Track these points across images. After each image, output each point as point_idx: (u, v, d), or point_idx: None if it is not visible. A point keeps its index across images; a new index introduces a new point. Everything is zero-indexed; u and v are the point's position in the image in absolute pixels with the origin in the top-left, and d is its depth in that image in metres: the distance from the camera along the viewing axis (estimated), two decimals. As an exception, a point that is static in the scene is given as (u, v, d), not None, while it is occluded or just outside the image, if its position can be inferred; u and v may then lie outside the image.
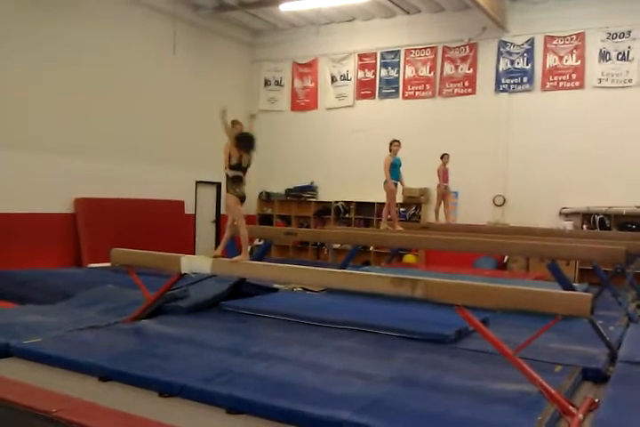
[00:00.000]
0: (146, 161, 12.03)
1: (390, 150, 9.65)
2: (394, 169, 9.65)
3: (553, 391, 3.82)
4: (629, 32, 11.46)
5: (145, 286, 6.05)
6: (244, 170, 5.63)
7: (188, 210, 13.18)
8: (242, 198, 5.68)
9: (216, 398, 3.96)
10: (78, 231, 10.80)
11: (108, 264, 6.88)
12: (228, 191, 5.68)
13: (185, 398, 4.04)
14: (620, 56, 11.59)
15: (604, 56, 11.69)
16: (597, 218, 11.33)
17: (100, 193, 11.05)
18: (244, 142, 5.56)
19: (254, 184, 11.29)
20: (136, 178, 11.77)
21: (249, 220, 13.63)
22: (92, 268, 9.82)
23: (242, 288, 7.29)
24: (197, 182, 13.47)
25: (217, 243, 13.71)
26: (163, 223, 12.05)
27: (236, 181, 5.61)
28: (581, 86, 11.87)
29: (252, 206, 14.53)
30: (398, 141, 9.70)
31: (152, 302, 6.10)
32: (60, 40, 10.50)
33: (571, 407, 3.75)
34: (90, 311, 6.34)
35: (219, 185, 13.51)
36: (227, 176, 5.65)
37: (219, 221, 13.70)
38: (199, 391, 4.03)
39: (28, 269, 8.47)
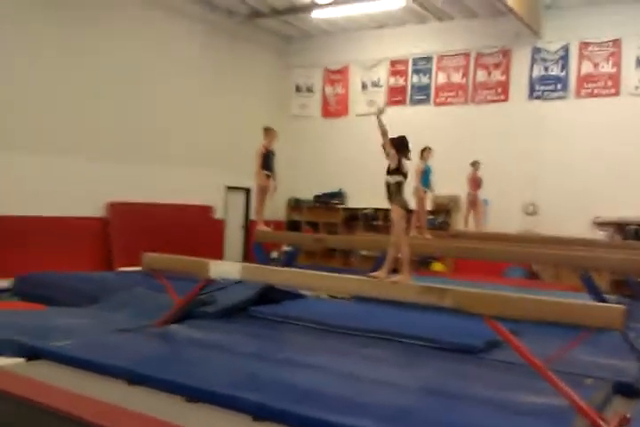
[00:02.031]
0: (177, 166, 12.17)
1: (422, 157, 9.61)
2: (425, 176, 9.61)
3: (583, 405, 3.74)
4: (667, 38, 11.27)
5: (175, 291, 6.10)
6: (405, 176, 5.05)
7: (218, 215, 13.28)
8: (407, 210, 5.06)
9: (243, 404, 3.96)
10: (110, 235, 10.95)
11: (138, 268, 6.95)
12: (393, 202, 4.96)
13: (211, 403, 4.04)
14: (656, 63, 11.39)
15: (640, 63, 11.51)
16: (632, 229, 11.11)
17: (132, 197, 11.20)
18: (404, 146, 5.06)
19: (283, 190, 11.34)
20: (167, 182, 11.90)
21: (277, 226, 13.77)
22: (122, 271, 9.93)
23: (269, 294, 7.30)
24: (227, 187, 13.56)
25: (246, 249, 13.79)
26: (192, 228, 12.15)
27: (400, 189, 4.97)
28: (617, 93, 11.69)
29: (280, 212, 14.58)
30: (430, 148, 9.66)
31: (181, 306, 6.14)
32: (89, 43, 10.67)
33: (601, 422, 3.67)
34: (119, 315, 6.40)
35: (248, 190, 13.58)
36: (387, 183, 5.01)
37: (248, 226, 13.77)
38: (226, 397, 4.04)
39: (59, 271, 8.60)
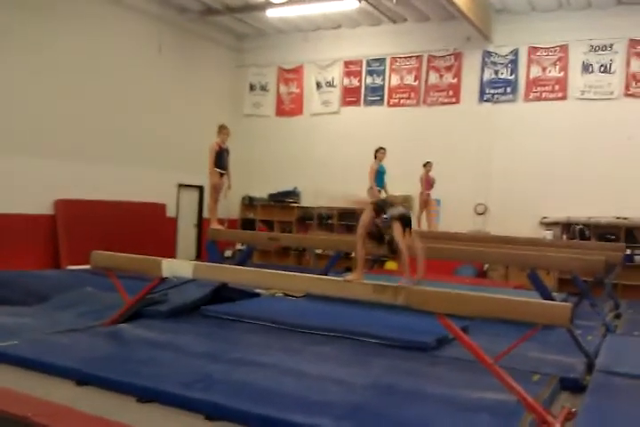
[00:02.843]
0: (128, 163, 11.94)
1: (375, 157, 9.70)
2: (379, 176, 9.71)
3: (531, 401, 3.84)
4: (611, 45, 11.62)
5: (125, 290, 6.00)
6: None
7: (170, 213, 13.10)
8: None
9: (195, 404, 3.94)
10: (58, 233, 10.68)
11: (87, 266, 6.81)
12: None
13: (163, 403, 4.01)
14: (602, 69, 11.74)
15: (586, 68, 11.84)
16: (577, 228, 11.44)
17: (81, 195, 10.94)
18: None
19: (237, 188, 11.25)
20: (118, 180, 11.67)
21: (231, 224, 13.69)
22: (70, 270, 9.71)
23: (223, 293, 7.25)
24: (180, 185, 13.40)
25: (199, 247, 13.67)
26: (144, 226, 11.96)
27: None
28: (564, 98, 12.01)
29: (234, 210, 14.49)
30: (384, 149, 9.76)
31: (131, 305, 6.05)
32: (41, 41, 10.37)
33: (549, 417, 3.77)
34: (68, 314, 6.27)
35: (201, 188, 13.45)
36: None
37: (201, 224, 13.64)
38: (178, 397, 4.01)
39: (4, 270, 8.35)
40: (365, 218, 4.90)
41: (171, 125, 12.98)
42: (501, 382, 3.98)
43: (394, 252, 4.78)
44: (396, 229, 4.71)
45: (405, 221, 4.78)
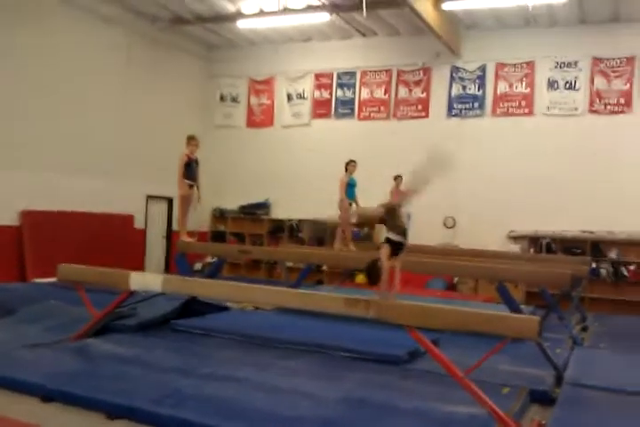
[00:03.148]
0: (95, 174, 11.76)
1: (346, 170, 9.75)
2: (349, 189, 9.75)
3: (501, 414, 3.87)
4: (576, 63, 11.90)
5: (93, 304, 5.90)
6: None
7: (139, 224, 12.95)
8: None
9: (164, 420, 3.88)
10: (24, 244, 10.47)
11: (54, 279, 6.68)
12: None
13: (133, 420, 3.94)
14: (567, 85, 12.00)
15: (552, 85, 12.10)
16: (544, 242, 11.62)
17: (48, 206, 10.75)
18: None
19: (208, 200, 11.19)
20: (85, 191, 11.48)
21: (201, 236, 13.57)
22: (37, 283, 9.52)
23: (193, 306, 7.17)
24: (149, 197, 13.26)
25: (168, 260, 13.51)
26: (112, 238, 11.78)
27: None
28: (530, 113, 12.24)
29: (204, 223, 14.38)
30: (354, 162, 9.81)
31: (99, 319, 5.95)
32: (4, 50, 10.16)
33: (519, 430, 3.81)
34: (33, 328, 6.14)
35: (170, 200, 13.32)
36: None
37: (170, 236, 13.50)
38: (148, 413, 3.94)
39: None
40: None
41: (140, 136, 12.85)
42: (472, 396, 4.01)
43: (372, 274, 4.94)
44: (384, 250, 4.87)
45: (397, 248, 4.97)
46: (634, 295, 11.02)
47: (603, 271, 11.22)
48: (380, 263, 4.94)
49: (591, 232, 11.34)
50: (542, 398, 4.68)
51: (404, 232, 5.36)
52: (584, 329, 8.12)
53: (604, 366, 5.71)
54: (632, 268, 11.16)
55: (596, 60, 11.76)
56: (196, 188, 8.70)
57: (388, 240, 5.23)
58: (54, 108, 11.06)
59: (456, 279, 11.84)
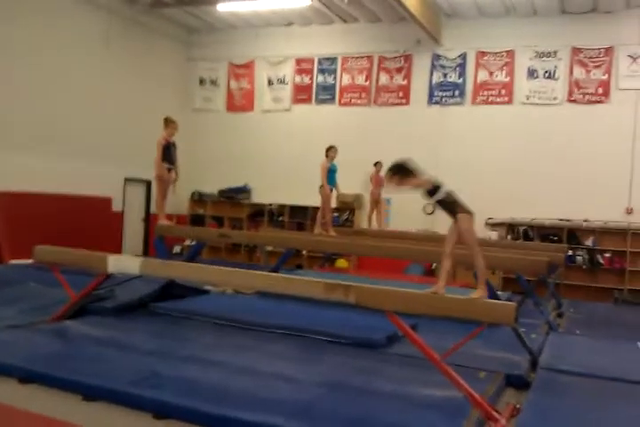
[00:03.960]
0: (73, 156, 11.63)
1: (327, 156, 9.72)
2: (330, 175, 9.73)
3: (477, 397, 3.93)
4: (555, 52, 11.99)
5: (70, 285, 5.85)
6: (440, 186, 4.92)
7: (117, 207, 12.83)
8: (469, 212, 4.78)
9: (142, 402, 3.88)
10: (-1, 226, 10.34)
11: (30, 261, 6.60)
12: (459, 212, 4.72)
13: (110, 401, 3.93)
14: (546, 75, 12.09)
15: (531, 74, 12.18)
16: (521, 229, 11.76)
17: (24, 187, 10.61)
18: (404, 169, 4.99)
19: (186, 183, 11.12)
20: (62, 173, 11.35)
21: (180, 220, 13.50)
22: (13, 264, 9.41)
23: (172, 290, 7.14)
24: (126, 179, 13.13)
25: (146, 243, 13.43)
26: (89, 220, 11.67)
27: (454, 199, 4.81)
28: (510, 102, 12.32)
29: (183, 206, 14.31)
30: (335, 147, 9.78)
31: (76, 301, 5.90)
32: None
33: (494, 413, 3.87)
34: (10, 310, 6.06)
35: (149, 183, 13.21)
36: (438, 203, 4.84)
37: (148, 219, 13.40)
38: (125, 395, 3.93)
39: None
40: (466, 225, 4.73)
41: (118, 118, 12.71)
42: (449, 379, 4.06)
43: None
44: (471, 229, 4.73)
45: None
46: (608, 282, 11.25)
47: (579, 258, 11.41)
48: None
49: (568, 220, 11.51)
50: (517, 383, 4.76)
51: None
52: (559, 315, 8.25)
53: (579, 351, 5.81)
54: (607, 255, 11.38)
55: (576, 50, 11.85)
56: (174, 171, 8.61)
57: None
58: (32, 89, 10.90)
59: (434, 265, 11.93)
